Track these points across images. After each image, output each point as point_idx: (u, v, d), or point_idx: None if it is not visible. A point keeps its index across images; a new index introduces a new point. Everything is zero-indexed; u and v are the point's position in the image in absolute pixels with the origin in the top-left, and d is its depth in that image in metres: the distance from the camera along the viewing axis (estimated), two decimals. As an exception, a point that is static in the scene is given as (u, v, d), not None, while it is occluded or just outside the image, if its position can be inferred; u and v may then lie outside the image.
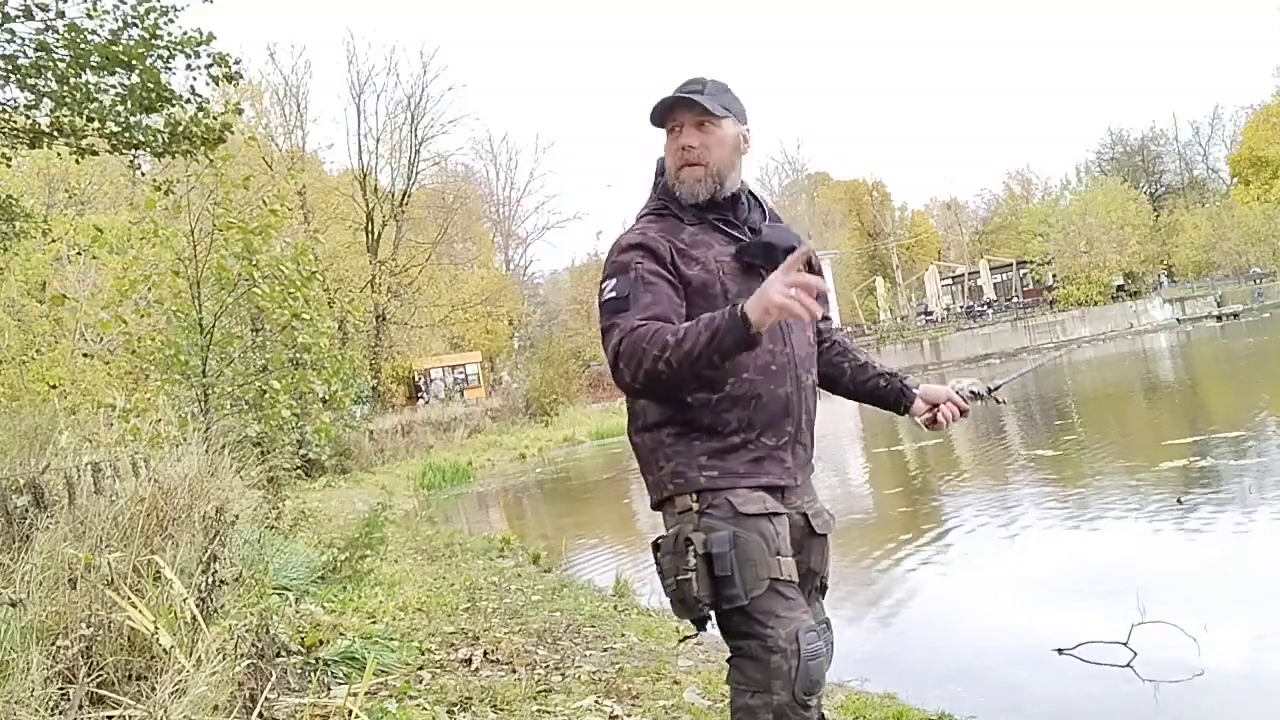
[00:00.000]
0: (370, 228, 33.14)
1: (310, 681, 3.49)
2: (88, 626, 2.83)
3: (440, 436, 23.67)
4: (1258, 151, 56.22)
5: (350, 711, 2.99)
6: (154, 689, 2.67)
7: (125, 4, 6.69)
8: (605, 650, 4.76)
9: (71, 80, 6.71)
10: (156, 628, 2.73)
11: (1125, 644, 4.29)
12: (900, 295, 49.90)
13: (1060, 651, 4.44)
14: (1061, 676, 4.23)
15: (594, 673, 4.24)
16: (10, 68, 6.62)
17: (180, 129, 7.16)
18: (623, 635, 5.10)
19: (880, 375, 2.35)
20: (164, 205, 7.53)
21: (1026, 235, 53.86)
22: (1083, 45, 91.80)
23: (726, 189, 2.09)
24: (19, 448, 5.01)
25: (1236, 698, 3.82)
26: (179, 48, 6.91)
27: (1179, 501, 7.19)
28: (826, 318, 2.28)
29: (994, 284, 46.81)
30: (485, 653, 4.43)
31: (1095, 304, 43.22)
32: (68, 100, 6.83)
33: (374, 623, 4.65)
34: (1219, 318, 40.40)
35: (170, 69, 6.97)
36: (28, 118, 7.31)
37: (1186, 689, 3.93)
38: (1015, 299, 46.72)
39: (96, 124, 7.03)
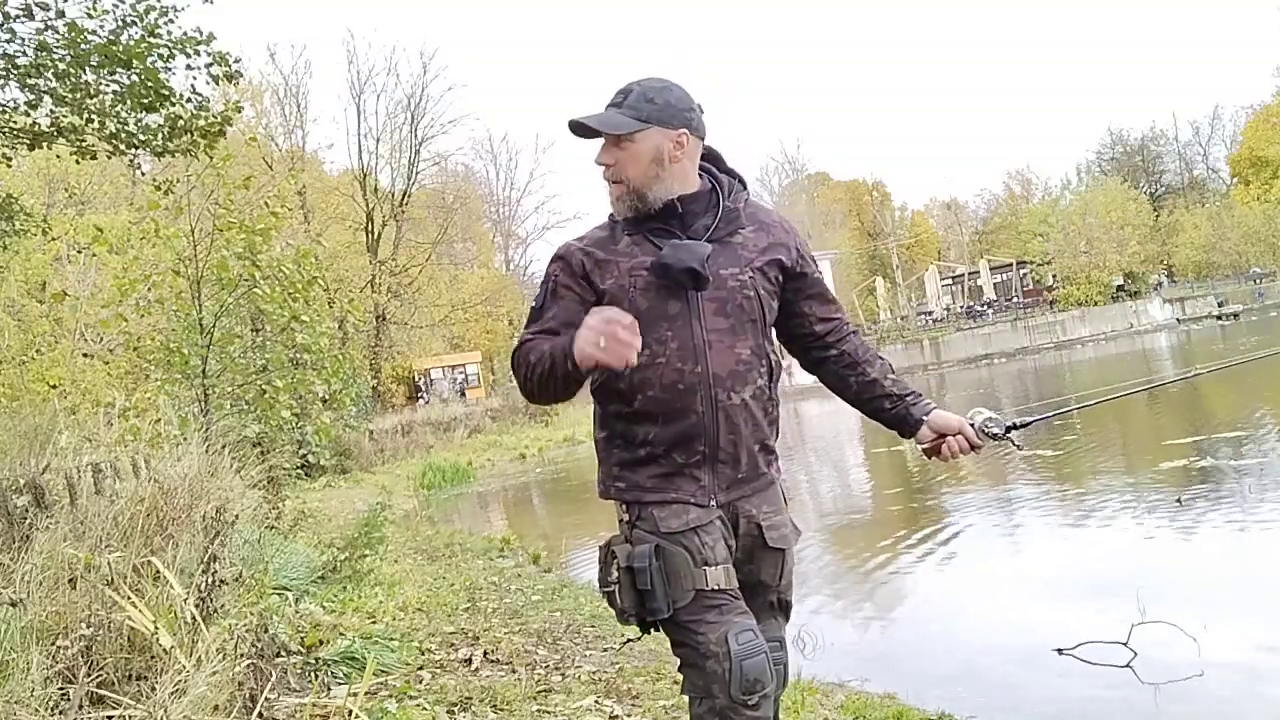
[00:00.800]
0: (370, 228, 33.15)
1: (310, 681, 3.49)
2: (88, 626, 2.83)
3: (440, 436, 23.65)
4: (1258, 151, 56.22)
5: (350, 711, 2.99)
6: (154, 689, 2.67)
7: (125, 3, 6.69)
8: (605, 650, 4.76)
9: (71, 80, 6.71)
10: (156, 628, 2.73)
11: (1125, 644, 4.29)
12: (900, 295, 49.90)
13: (1060, 651, 4.44)
14: (1061, 676, 4.23)
15: (594, 673, 4.24)
16: (10, 67, 6.62)
17: (180, 123, 7.15)
18: (623, 635, 5.10)
19: (886, 396, 2.21)
20: (165, 205, 7.54)
21: (1026, 235, 53.86)
22: (1083, 45, 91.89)
23: (651, 202, 2.00)
24: (19, 448, 5.01)
25: (1236, 698, 3.82)
26: (179, 47, 6.91)
27: (1179, 501, 7.19)
28: (832, 319, 2.23)
29: (994, 284, 46.79)
30: (485, 653, 4.43)
31: (1095, 304, 43.18)
32: (67, 100, 6.83)
33: (374, 623, 4.65)
34: (1219, 318, 40.40)
35: (170, 69, 6.97)
36: (28, 117, 7.31)
37: (1186, 689, 3.93)
38: (1015, 299, 46.68)
39: (96, 124, 7.03)
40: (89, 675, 2.68)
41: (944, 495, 9.55)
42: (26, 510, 3.75)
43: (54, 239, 15.30)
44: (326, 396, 7.70)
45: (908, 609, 5.79)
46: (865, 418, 2.29)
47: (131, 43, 6.65)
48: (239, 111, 8.54)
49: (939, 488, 10.09)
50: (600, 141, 2.02)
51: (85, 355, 15.41)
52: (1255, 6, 78.55)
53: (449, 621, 5.19)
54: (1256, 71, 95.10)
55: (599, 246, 2.05)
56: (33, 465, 4.13)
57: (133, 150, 7.49)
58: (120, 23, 6.71)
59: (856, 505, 10.22)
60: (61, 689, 2.65)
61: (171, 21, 6.83)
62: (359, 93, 34.17)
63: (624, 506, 2.05)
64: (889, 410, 2.22)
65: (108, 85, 6.87)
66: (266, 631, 3.40)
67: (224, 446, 4.89)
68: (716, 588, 1.96)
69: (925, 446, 2.22)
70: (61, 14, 6.54)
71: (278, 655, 3.46)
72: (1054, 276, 47.55)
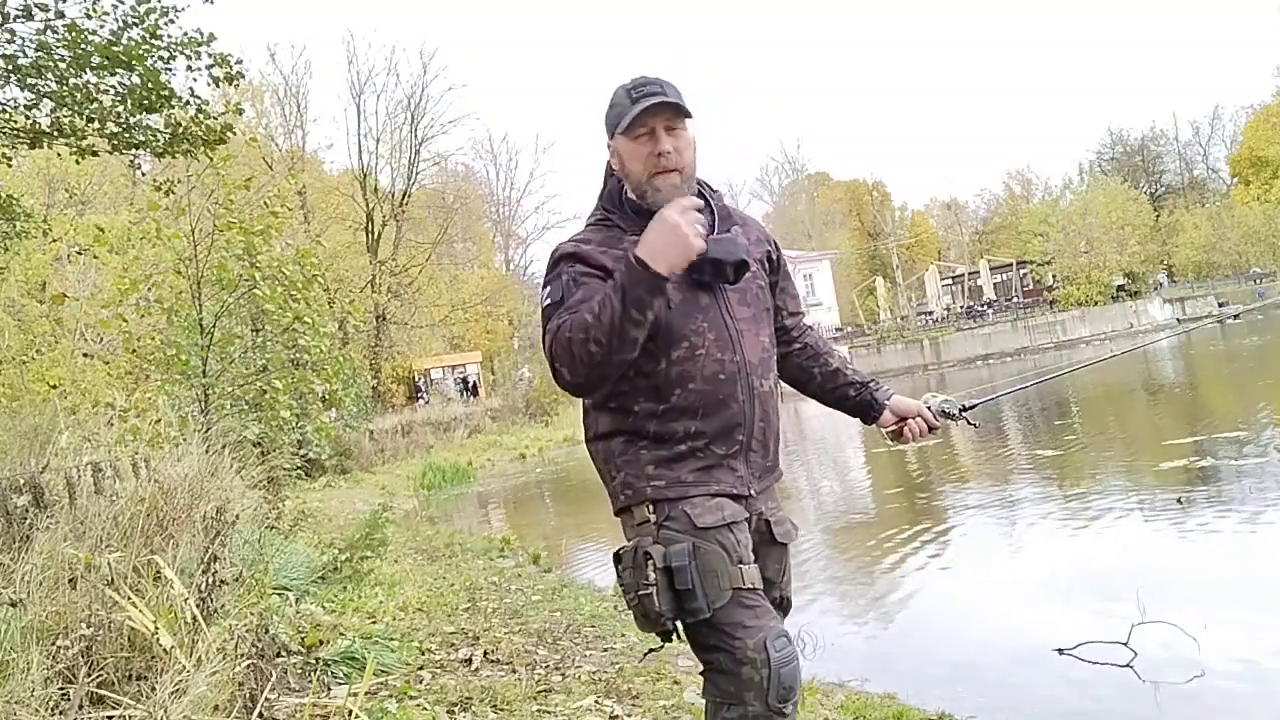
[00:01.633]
0: (370, 228, 33.14)
1: (310, 681, 3.49)
2: (88, 626, 2.83)
3: (440, 436, 23.64)
4: (1258, 151, 56.24)
5: (350, 711, 2.99)
6: (154, 689, 2.67)
7: (125, 4, 6.69)
8: (605, 650, 4.76)
9: (71, 80, 6.71)
10: (156, 628, 2.73)
11: (1125, 644, 4.29)
12: (900, 295, 49.85)
13: (1060, 651, 4.44)
14: (1061, 676, 4.23)
15: (594, 673, 4.24)
16: (10, 68, 6.62)
17: (181, 130, 7.15)
18: (623, 635, 5.10)
19: (850, 384, 2.27)
20: (165, 206, 7.54)
21: (1026, 235, 53.84)
22: (1083, 45, 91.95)
23: (688, 194, 1.98)
24: (19, 448, 5.01)
25: (1236, 698, 3.82)
26: (179, 48, 6.91)
27: (1179, 501, 7.19)
28: (796, 313, 2.25)
29: (994, 284, 46.78)
30: (485, 653, 4.43)
31: (1095, 304, 43.16)
32: (68, 100, 6.83)
33: (374, 623, 4.65)
34: (1219, 319, 40.34)
35: (170, 69, 6.96)
36: (28, 118, 7.31)
37: (1187, 689, 3.93)
38: (1015, 299, 46.66)
39: (96, 124, 7.03)
40: (89, 675, 2.68)
41: (944, 495, 9.55)
42: (27, 510, 3.75)
43: (54, 239, 15.28)
44: (326, 396, 7.70)
45: (908, 609, 5.79)
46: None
47: (132, 43, 6.65)
48: (240, 114, 8.55)
49: (939, 488, 10.09)
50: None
51: (85, 355, 15.40)
52: (1255, 6, 78.58)
53: (449, 621, 5.19)
54: (1256, 71, 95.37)
55: (609, 245, 1.97)
56: (33, 465, 4.13)
57: (133, 150, 7.49)
58: (121, 23, 6.70)
59: (857, 505, 10.22)
60: (61, 689, 2.65)
61: (172, 22, 6.83)
62: (359, 93, 34.21)
63: (650, 507, 1.94)
64: (854, 398, 2.27)
65: (108, 86, 6.87)
66: (267, 631, 3.40)
67: (224, 446, 4.89)
68: (752, 586, 1.93)
69: (889, 430, 2.27)
70: (61, 14, 6.54)
71: (278, 655, 3.46)
72: (1054, 276, 47.53)
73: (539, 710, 3.63)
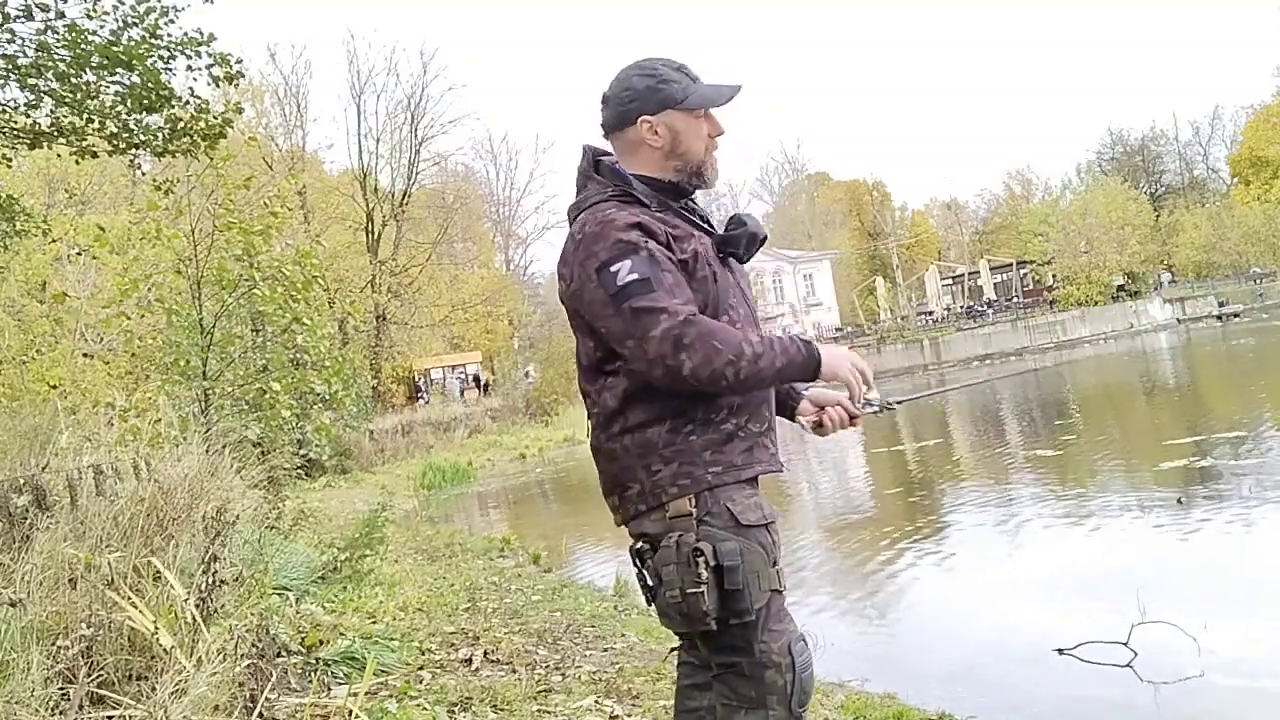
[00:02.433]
0: (370, 228, 33.14)
1: (310, 681, 3.49)
2: (88, 626, 2.83)
3: (440, 436, 23.65)
4: (1258, 151, 56.24)
5: (350, 711, 2.99)
6: (154, 689, 2.67)
7: (125, 4, 6.69)
8: (605, 650, 4.76)
9: (71, 80, 6.71)
10: (157, 628, 2.73)
11: (1125, 644, 4.29)
12: (900, 295, 49.86)
13: (1060, 651, 4.43)
14: (1061, 676, 4.23)
15: (594, 673, 4.24)
16: (10, 68, 6.62)
17: (180, 126, 7.15)
18: (623, 635, 5.10)
19: None
20: (165, 206, 7.54)
21: (1026, 235, 53.85)
22: (1083, 45, 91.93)
23: None
24: (19, 448, 5.01)
25: (1236, 698, 3.82)
26: (179, 48, 6.91)
27: (1179, 501, 7.19)
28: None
29: (994, 284, 46.79)
30: (485, 653, 4.43)
31: (1095, 304, 43.18)
32: (68, 100, 6.83)
33: (374, 623, 4.65)
34: (1219, 318, 40.42)
35: (170, 69, 6.96)
36: (28, 117, 7.31)
37: (1186, 689, 3.93)
38: (1015, 299, 46.68)
39: (96, 124, 7.03)
40: (89, 675, 2.68)
41: (944, 495, 9.55)
42: (27, 510, 3.75)
43: (54, 239, 15.28)
44: (327, 397, 7.70)
45: (908, 609, 5.79)
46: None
47: (132, 43, 6.65)
48: (240, 113, 8.55)
49: (939, 488, 10.09)
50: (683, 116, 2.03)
51: (85, 355, 15.39)
52: (1255, 6, 78.59)
53: (449, 621, 5.19)
54: (1256, 71, 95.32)
55: (656, 220, 1.94)
56: (33, 465, 4.13)
57: (133, 150, 7.50)
58: (121, 23, 6.71)
59: (857, 505, 10.22)
60: (62, 689, 2.65)
61: (172, 22, 6.84)
62: (359, 93, 34.21)
63: (693, 499, 1.86)
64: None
65: (108, 86, 6.87)
66: (267, 632, 3.40)
67: (224, 447, 4.89)
68: (785, 588, 1.92)
69: (809, 420, 2.22)
70: (62, 14, 6.54)
71: (278, 655, 3.46)
72: (1054, 276, 47.55)
73: (539, 710, 3.63)
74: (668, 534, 1.85)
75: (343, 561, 5.78)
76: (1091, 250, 45.56)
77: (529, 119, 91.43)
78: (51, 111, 7.13)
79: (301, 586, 5.17)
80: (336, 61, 72.39)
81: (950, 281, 51.22)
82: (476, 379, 37.17)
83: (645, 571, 1.90)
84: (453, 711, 3.54)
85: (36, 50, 6.56)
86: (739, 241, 1.99)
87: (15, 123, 7.35)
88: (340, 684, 3.58)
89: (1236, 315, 39.89)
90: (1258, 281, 47.87)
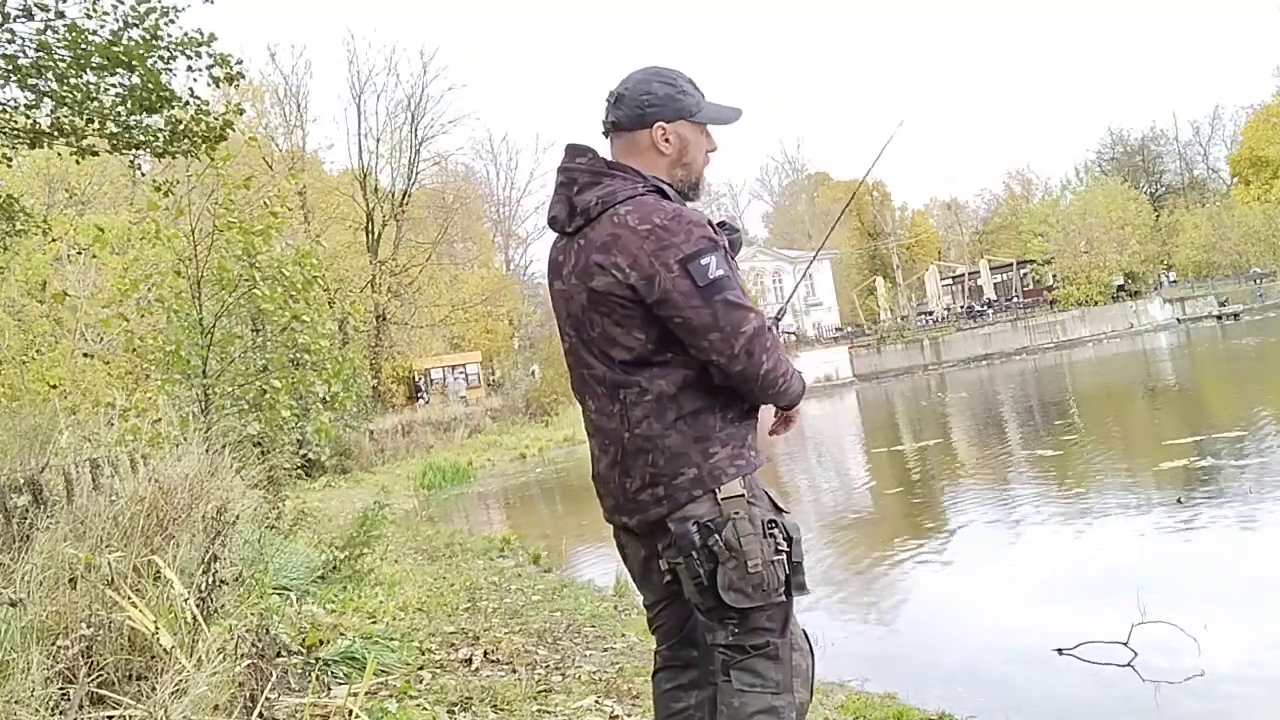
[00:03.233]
0: (370, 228, 33.13)
1: (310, 681, 3.49)
2: (88, 626, 2.83)
3: (440, 436, 23.64)
4: (1258, 151, 56.26)
5: (350, 711, 2.99)
6: (154, 689, 2.67)
7: (125, 4, 6.68)
8: (605, 650, 4.76)
9: (72, 80, 6.71)
10: (157, 628, 2.73)
11: (1125, 644, 4.29)
12: (900, 295, 49.85)
13: (1060, 651, 4.44)
14: (1061, 676, 4.24)
15: (594, 673, 4.24)
16: (10, 68, 6.62)
17: (181, 127, 7.15)
18: (623, 635, 5.10)
19: None
20: (165, 206, 7.53)
21: (1027, 235, 53.86)
22: (1083, 45, 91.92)
23: None
24: (19, 447, 5.01)
25: (1236, 698, 3.82)
26: (180, 48, 6.91)
27: (1179, 501, 7.19)
28: None
29: (994, 284, 46.79)
30: (485, 653, 4.43)
31: (1095, 304, 43.21)
32: (68, 100, 6.83)
33: (374, 623, 4.65)
34: (1219, 317, 40.44)
35: (171, 70, 6.96)
36: (28, 118, 7.31)
37: (1186, 689, 3.93)
38: (1015, 299, 46.69)
39: (96, 124, 7.03)
40: (89, 675, 2.68)
41: (944, 495, 9.55)
42: (26, 509, 3.75)
43: (54, 239, 15.29)
44: (327, 397, 7.69)
45: (908, 609, 5.79)
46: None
47: (132, 44, 6.64)
48: (240, 114, 8.54)
49: (940, 488, 10.09)
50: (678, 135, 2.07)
51: (85, 355, 15.39)
52: (1255, 6, 78.60)
53: (449, 621, 5.19)
54: (1256, 71, 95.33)
55: None
56: (33, 464, 4.13)
57: (133, 151, 7.49)
58: (121, 23, 6.70)
59: (856, 505, 10.22)
60: (62, 689, 2.65)
61: (172, 23, 6.83)
62: (359, 93, 34.18)
63: (743, 481, 1.92)
64: None
65: (109, 86, 6.87)
66: (267, 632, 3.40)
67: (224, 446, 4.89)
68: None
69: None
70: (61, 14, 6.53)
71: (278, 655, 3.46)
72: (1054, 276, 47.56)
73: (539, 710, 3.63)
74: (729, 512, 1.89)
75: (342, 561, 5.77)
76: (1091, 250, 45.58)
77: (529, 119, 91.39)
78: (51, 111, 7.12)
79: (301, 586, 5.17)
80: (336, 61, 72.54)
81: (950, 281, 51.22)
82: (489, 378, 37.15)
83: (701, 552, 1.89)
84: (453, 711, 3.54)
85: (36, 50, 6.55)
86: (737, 247, 2.05)
87: (15, 123, 7.35)
88: (340, 684, 3.58)
89: (1236, 315, 39.92)
90: (1258, 281, 47.90)
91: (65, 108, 6.95)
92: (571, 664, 4.42)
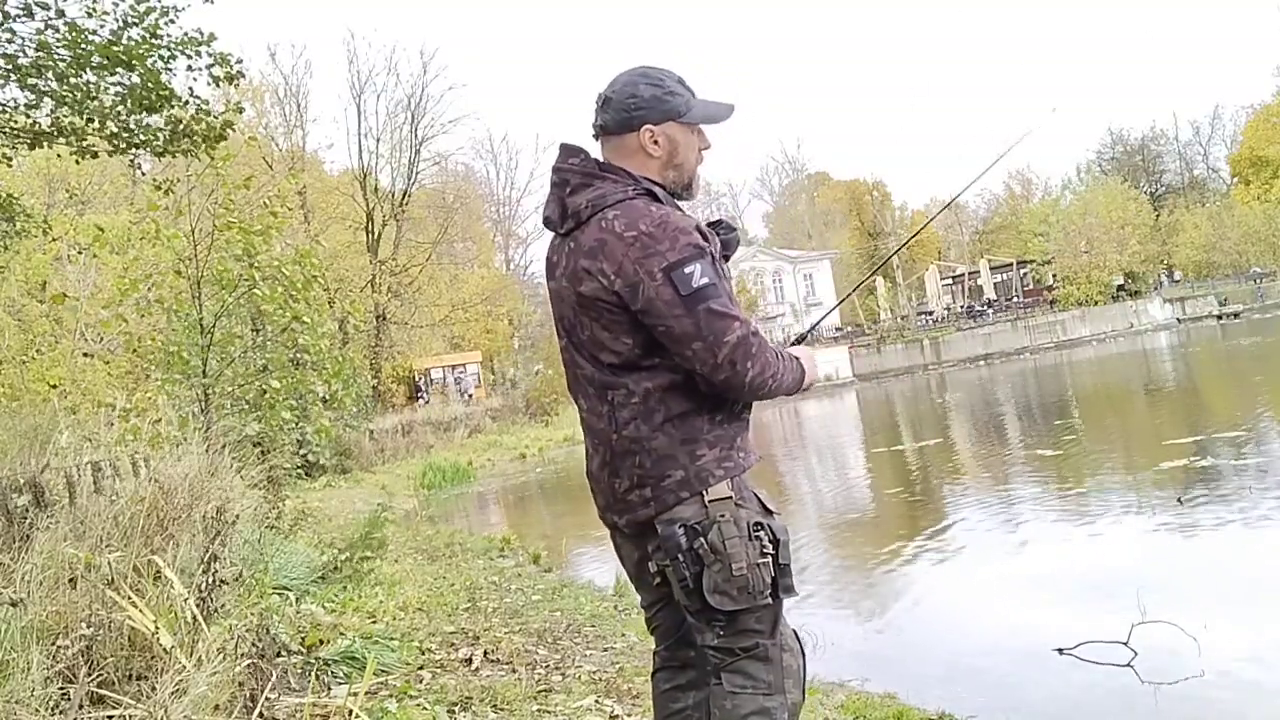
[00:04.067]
0: (370, 228, 33.11)
1: (310, 681, 3.49)
2: (88, 626, 2.83)
3: (440, 436, 23.63)
4: (1258, 151, 56.25)
5: (350, 711, 2.99)
6: (154, 689, 2.67)
7: (125, 4, 6.68)
8: (605, 650, 4.76)
9: (71, 80, 6.70)
10: (157, 627, 2.73)
11: (1125, 644, 4.29)
12: (900, 295, 49.84)
13: (1060, 651, 4.44)
14: (1061, 676, 4.24)
15: (594, 672, 4.24)
16: (10, 67, 6.61)
17: (181, 127, 7.14)
18: (623, 635, 5.10)
19: None
20: (165, 206, 7.53)
21: (1027, 235, 53.87)
22: (1083, 45, 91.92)
23: None
24: (19, 447, 5.01)
25: (1236, 698, 3.82)
26: (180, 48, 6.90)
27: (1179, 501, 7.19)
28: None
29: (994, 284, 46.79)
30: (485, 652, 4.43)
31: (1095, 304, 43.22)
32: (68, 100, 6.83)
33: (374, 622, 4.65)
34: (1219, 317, 40.44)
35: (171, 69, 6.96)
36: (28, 117, 7.31)
37: (1187, 688, 3.93)
38: (1015, 299, 46.69)
39: (96, 124, 7.03)
40: (89, 675, 2.68)
41: (944, 495, 9.55)
42: (27, 510, 3.75)
43: (54, 239, 15.29)
44: (327, 397, 7.69)
45: (908, 609, 5.79)
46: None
47: (132, 43, 6.64)
48: (240, 113, 8.54)
49: (940, 488, 10.09)
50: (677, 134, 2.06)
51: (85, 355, 15.39)
52: (1255, 6, 78.62)
53: (449, 621, 5.19)
54: (1256, 71, 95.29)
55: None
56: (33, 465, 4.13)
57: (133, 150, 7.49)
58: (121, 23, 6.70)
59: (857, 505, 10.22)
60: (62, 689, 2.65)
61: (172, 22, 6.83)
62: (359, 93, 34.15)
63: (730, 483, 1.92)
64: None
65: (108, 86, 6.86)
66: (267, 631, 3.40)
67: (224, 446, 4.89)
68: None
69: None
70: (62, 14, 6.53)
71: (278, 655, 3.46)
72: (1054, 276, 47.56)
73: (539, 710, 3.63)
74: (715, 514, 1.89)
75: (343, 561, 5.77)
76: (1091, 250, 45.58)
77: (529, 119, 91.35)
78: (51, 111, 7.12)
79: (301, 586, 5.17)
80: (336, 61, 72.48)
81: (950, 281, 51.21)
82: (479, 378, 37.15)
83: (686, 555, 1.89)
84: (453, 711, 3.54)
85: (36, 50, 6.55)
86: (732, 245, 2.05)
87: (15, 123, 7.34)
88: (340, 684, 3.58)
89: (1236, 315, 39.92)
90: (1258, 281, 47.89)
91: (65, 107, 6.94)
92: (571, 664, 4.42)
